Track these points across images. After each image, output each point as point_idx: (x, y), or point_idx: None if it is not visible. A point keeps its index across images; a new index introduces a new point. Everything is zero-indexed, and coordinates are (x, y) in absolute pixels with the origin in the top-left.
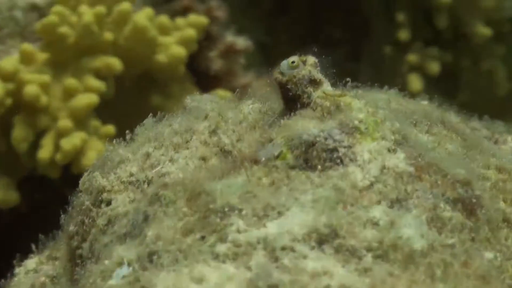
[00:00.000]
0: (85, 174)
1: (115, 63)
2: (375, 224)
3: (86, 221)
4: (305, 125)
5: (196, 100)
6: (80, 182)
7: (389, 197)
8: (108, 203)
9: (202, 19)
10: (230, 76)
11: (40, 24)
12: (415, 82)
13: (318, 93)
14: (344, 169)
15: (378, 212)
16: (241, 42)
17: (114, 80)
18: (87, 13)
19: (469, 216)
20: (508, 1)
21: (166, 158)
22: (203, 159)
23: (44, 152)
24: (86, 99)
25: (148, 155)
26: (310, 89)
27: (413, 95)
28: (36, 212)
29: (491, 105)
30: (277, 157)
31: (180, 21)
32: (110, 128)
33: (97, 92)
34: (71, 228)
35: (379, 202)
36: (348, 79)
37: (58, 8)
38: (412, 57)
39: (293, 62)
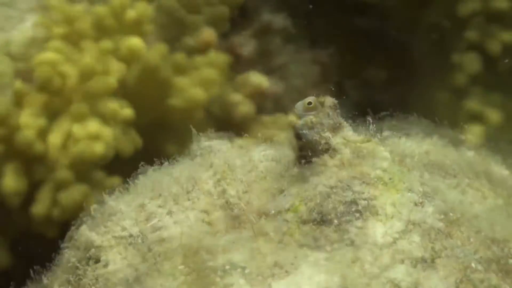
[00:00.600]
0: (73, 227)
1: (124, 109)
2: (396, 285)
3: (72, 279)
4: (321, 174)
5: (205, 147)
6: (67, 236)
7: (414, 255)
8: (97, 260)
9: (224, 57)
10: (265, 57)
11: (36, 61)
12: (475, 133)
13: (338, 139)
14: (363, 223)
15: (400, 272)
16: (279, 21)
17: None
18: (91, 49)
19: (505, 278)
20: None
21: (164, 211)
22: (206, 212)
23: (40, 207)
24: (90, 148)
25: (143, 207)
26: (328, 134)
27: (457, 144)
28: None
29: None
30: (288, 209)
31: (198, 59)
32: (116, 180)
33: (102, 140)
34: None
35: (402, 261)
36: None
37: (56, 43)
38: (471, 104)
39: (309, 103)
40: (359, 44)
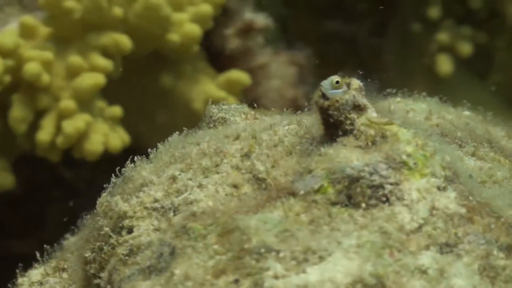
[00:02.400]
0: (104, 194)
1: (124, 41)
2: (424, 272)
3: (105, 248)
4: (348, 156)
5: (223, 110)
6: (98, 202)
7: (438, 241)
8: (130, 230)
9: None
10: (247, 55)
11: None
12: (445, 64)
13: (362, 120)
14: (390, 209)
15: (426, 259)
16: (261, 19)
17: (122, 58)
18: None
19: None
20: None
21: (194, 184)
22: (235, 186)
23: (44, 134)
24: (92, 79)
25: (174, 179)
26: (353, 115)
27: (443, 81)
28: (31, 193)
29: None
30: (317, 190)
31: None
32: (117, 110)
33: (104, 72)
34: (88, 254)
35: (427, 247)
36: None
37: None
38: (442, 36)
39: (337, 82)
40: (332, 47)
